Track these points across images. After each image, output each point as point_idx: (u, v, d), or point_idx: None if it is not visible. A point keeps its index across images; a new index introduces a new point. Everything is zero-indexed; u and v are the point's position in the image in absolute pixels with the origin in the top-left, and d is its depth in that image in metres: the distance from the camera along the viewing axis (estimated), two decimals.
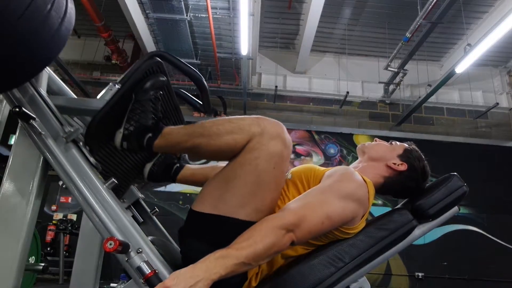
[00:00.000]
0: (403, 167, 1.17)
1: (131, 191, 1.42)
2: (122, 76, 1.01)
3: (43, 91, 0.99)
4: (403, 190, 1.19)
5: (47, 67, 1.01)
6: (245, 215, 0.90)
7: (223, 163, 1.25)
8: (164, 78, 1.06)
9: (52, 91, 1.08)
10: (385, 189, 1.18)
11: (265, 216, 0.91)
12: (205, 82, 1.18)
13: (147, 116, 0.99)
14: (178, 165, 1.32)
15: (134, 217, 1.40)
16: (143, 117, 0.99)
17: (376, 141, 1.28)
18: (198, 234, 0.94)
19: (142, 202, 1.45)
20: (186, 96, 1.31)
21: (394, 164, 1.17)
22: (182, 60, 1.11)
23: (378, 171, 1.18)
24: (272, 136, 0.90)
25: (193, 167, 1.34)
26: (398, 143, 1.26)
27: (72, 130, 0.96)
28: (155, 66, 1.04)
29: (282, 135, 0.91)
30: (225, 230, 0.90)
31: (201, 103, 1.27)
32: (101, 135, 1.01)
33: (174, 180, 1.31)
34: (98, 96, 0.99)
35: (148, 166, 1.28)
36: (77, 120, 1.16)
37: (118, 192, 1.06)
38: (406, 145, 1.24)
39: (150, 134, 0.98)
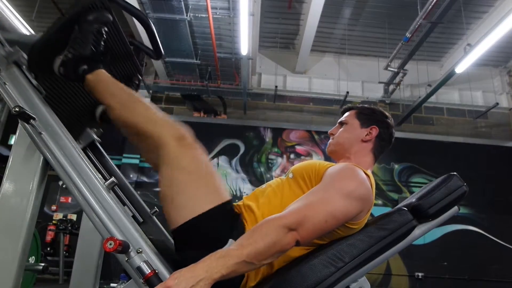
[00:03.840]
0: (374, 130, 1.21)
1: (87, 133, 1.43)
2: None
3: None
4: (391, 138, 1.26)
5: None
6: (207, 205, 0.93)
7: None
8: (109, 16, 1.11)
9: (4, 27, 1.11)
10: (381, 154, 1.24)
11: (222, 191, 0.98)
12: (151, 25, 1.23)
13: (86, 47, 1.03)
14: None
15: (134, 217, 1.40)
16: (82, 47, 1.03)
17: (331, 135, 1.28)
18: (187, 245, 0.96)
19: (98, 145, 1.46)
20: (137, 43, 1.36)
21: (367, 135, 1.21)
22: (126, 0, 1.16)
23: (364, 152, 1.20)
24: (175, 135, 0.97)
25: None
26: (343, 118, 1.28)
27: (13, 50, 0.98)
28: (99, 3, 1.09)
29: (181, 130, 0.99)
30: (204, 228, 0.93)
31: (152, 49, 1.31)
32: (44, 62, 1.05)
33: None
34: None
35: (100, 109, 1.32)
36: None
37: (73, 131, 1.09)
38: (353, 111, 1.27)
39: (85, 66, 1.04)
